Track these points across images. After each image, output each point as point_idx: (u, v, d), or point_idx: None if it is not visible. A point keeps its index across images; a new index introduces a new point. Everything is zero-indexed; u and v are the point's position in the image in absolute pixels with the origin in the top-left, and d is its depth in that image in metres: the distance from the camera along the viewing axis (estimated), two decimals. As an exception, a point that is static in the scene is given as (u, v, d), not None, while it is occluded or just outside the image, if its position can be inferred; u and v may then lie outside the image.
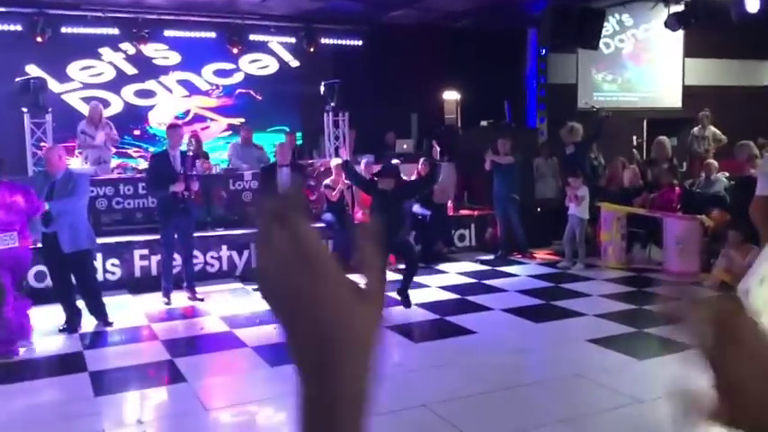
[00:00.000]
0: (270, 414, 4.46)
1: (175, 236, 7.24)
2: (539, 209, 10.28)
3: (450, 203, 10.27)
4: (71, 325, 6.21)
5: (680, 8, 9.82)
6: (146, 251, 8.23)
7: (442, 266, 8.97)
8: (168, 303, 7.23)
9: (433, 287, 7.82)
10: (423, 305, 6.97)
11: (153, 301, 7.33)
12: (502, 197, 9.41)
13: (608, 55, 13.48)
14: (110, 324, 6.39)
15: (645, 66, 13.98)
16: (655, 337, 5.75)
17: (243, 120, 11.31)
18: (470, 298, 7.26)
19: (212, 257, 8.51)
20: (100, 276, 7.89)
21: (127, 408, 4.51)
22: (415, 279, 8.12)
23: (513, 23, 12.10)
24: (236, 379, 5.10)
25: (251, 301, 7.32)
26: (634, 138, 13.73)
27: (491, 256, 9.54)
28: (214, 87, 11.50)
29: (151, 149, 10.99)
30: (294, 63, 11.88)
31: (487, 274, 8.51)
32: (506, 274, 8.56)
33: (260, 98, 11.73)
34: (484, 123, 11.47)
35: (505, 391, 4.57)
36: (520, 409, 4.35)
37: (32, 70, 9.75)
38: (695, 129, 11.57)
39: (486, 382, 4.71)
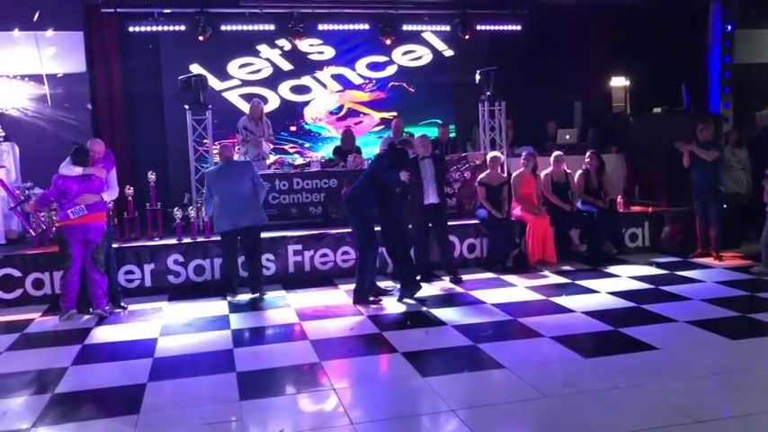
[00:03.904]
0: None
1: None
2: (725, 205, 9.05)
3: (619, 199, 9.30)
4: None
5: None
6: (299, 247, 8.14)
7: (611, 269, 8.07)
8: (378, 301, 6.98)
9: (602, 293, 6.99)
10: (591, 313, 6.20)
11: (305, 298, 7.19)
12: (704, 189, 8.39)
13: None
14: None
15: None
16: None
17: (395, 113, 11.04)
18: (647, 306, 6.36)
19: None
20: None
21: (270, 415, 4.25)
22: (581, 283, 7.39)
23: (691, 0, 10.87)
24: (384, 389, 4.71)
25: (402, 302, 6.95)
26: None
27: (669, 259, 8.49)
28: (367, 81, 11.33)
29: (306, 145, 11.06)
30: (448, 52, 11.43)
31: (666, 279, 7.50)
32: (689, 279, 7.51)
33: (413, 90, 11.42)
34: (657, 110, 10.35)
35: (701, 426, 3.77)
36: (721, 448, 3.56)
37: (196, 69, 10.10)
38: None
39: (676, 411, 3.93)
